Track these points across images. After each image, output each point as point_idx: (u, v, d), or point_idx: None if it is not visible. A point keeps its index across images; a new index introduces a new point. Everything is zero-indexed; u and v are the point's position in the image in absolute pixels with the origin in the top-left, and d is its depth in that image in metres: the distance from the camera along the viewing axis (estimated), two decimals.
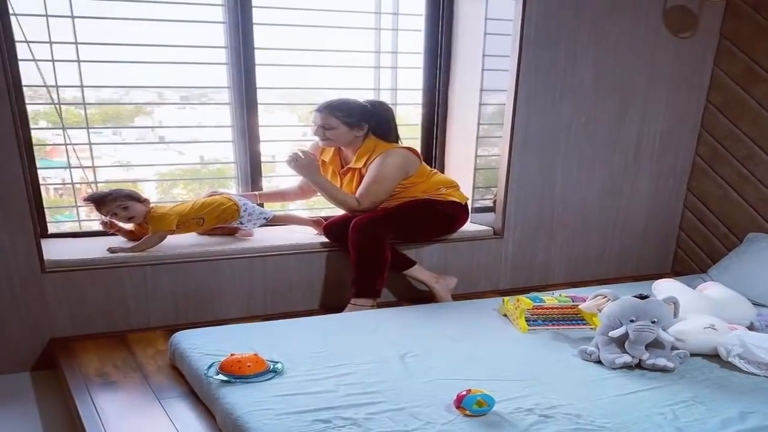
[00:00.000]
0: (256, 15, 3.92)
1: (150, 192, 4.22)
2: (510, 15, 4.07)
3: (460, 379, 2.71)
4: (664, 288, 3.65)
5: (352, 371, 2.79)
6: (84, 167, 3.87)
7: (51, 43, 3.57)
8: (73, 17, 3.56)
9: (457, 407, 2.48)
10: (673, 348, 2.99)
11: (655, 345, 2.93)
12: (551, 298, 3.49)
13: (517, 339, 3.25)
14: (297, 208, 4.58)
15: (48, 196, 4.03)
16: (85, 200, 3.69)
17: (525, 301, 3.41)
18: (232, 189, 4.23)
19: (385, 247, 3.75)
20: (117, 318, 3.59)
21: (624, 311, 2.96)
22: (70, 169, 3.83)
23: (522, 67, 4.09)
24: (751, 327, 3.36)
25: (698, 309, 3.34)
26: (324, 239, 4.01)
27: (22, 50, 3.52)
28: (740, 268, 4.09)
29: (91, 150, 3.83)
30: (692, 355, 3.04)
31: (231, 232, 4.03)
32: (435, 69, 4.52)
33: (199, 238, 3.97)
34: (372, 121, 3.91)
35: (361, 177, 3.91)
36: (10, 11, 3.39)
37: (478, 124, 4.41)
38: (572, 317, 3.43)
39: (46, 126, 3.86)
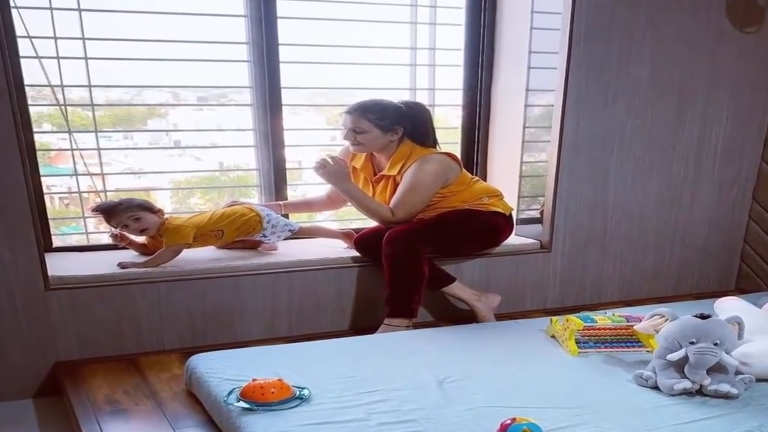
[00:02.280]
0: (281, 8, 3.90)
1: (164, 202, 4.21)
2: (558, 8, 4.03)
3: (504, 407, 2.67)
4: (728, 307, 3.55)
5: (386, 398, 2.75)
6: (92, 174, 3.86)
7: (56, 38, 3.55)
8: (80, 10, 3.54)
9: None
10: (737, 372, 2.92)
11: (718, 369, 2.87)
12: (604, 318, 3.44)
13: (567, 363, 3.22)
14: (325, 219, 4.58)
15: (52, 206, 4.01)
16: (93, 211, 3.66)
17: (575, 321, 3.35)
18: (254, 198, 4.24)
19: (421, 262, 3.70)
20: (128, 340, 3.56)
21: (683, 332, 2.90)
22: (76, 176, 3.82)
23: (572, 64, 4.05)
24: None
25: (765, 330, 3.23)
26: (355, 253, 3.99)
27: (24, 46, 3.49)
28: None
29: (99, 156, 3.82)
30: (758, 380, 2.96)
31: (253, 246, 4.00)
32: (476, 67, 4.50)
33: (218, 252, 3.95)
34: (407, 124, 3.86)
35: (396, 185, 3.87)
36: (12, 3, 3.37)
37: (524, 127, 4.38)
38: (627, 339, 3.37)
39: (50, 129, 3.87)
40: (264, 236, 3.90)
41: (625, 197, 4.48)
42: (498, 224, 4.00)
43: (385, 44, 4.30)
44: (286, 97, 4.06)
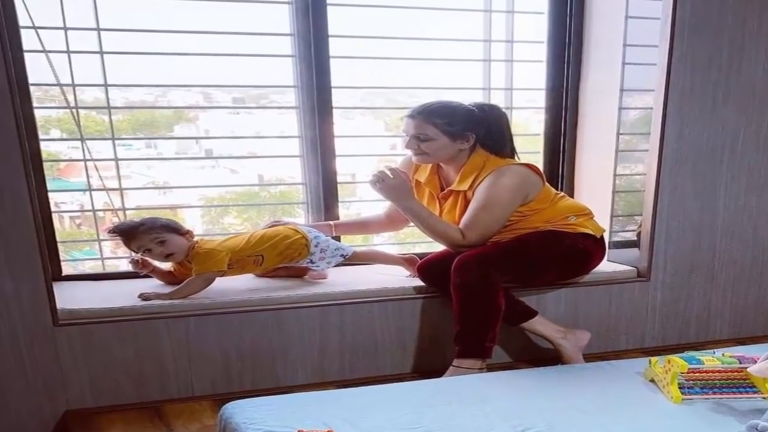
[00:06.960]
0: None
1: (194, 222, 4.22)
2: None
3: None
4: None
5: None
6: (108, 189, 3.84)
7: (66, 29, 3.50)
8: None
9: None
10: None
11: None
12: (712, 359, 3.21)
13: (668, 411, 3.02)
14: (383, 242, 4.60)
15: (62, 226, 4.02)
16: (109, 232, 3.59)
17: (678, 362, 3.12)
18: (299, 218, 4.22)
19: (497, 293, 3.54)
20: (151, 384, 3.47)
21: None
22: (90, 191, 3.79)
23: (674, 60, 3.91)
24: None
25: None
26: (418, 282, 3.86)
27: (28, 38, 3.43)
28: None
29: (117, 167, 3.79)
30: None
31: (298, 274, 3.93)
32: (562, 63, 4.43)
33: (257, 280, 3.89)
34: (480, 130, 3.70)
35: (467, 202, 3.72)
36: None
37: (618, 133, 4.27)
38: (739, 383, 3.16)
39: (59, 136, 3.87)
40: (311, 262, 3.81)
41: (737, 216, 4.35)
42: (587, 248, 3.85)
43: (454, 36, 4.22)
44: (337, 98, 4.01)
